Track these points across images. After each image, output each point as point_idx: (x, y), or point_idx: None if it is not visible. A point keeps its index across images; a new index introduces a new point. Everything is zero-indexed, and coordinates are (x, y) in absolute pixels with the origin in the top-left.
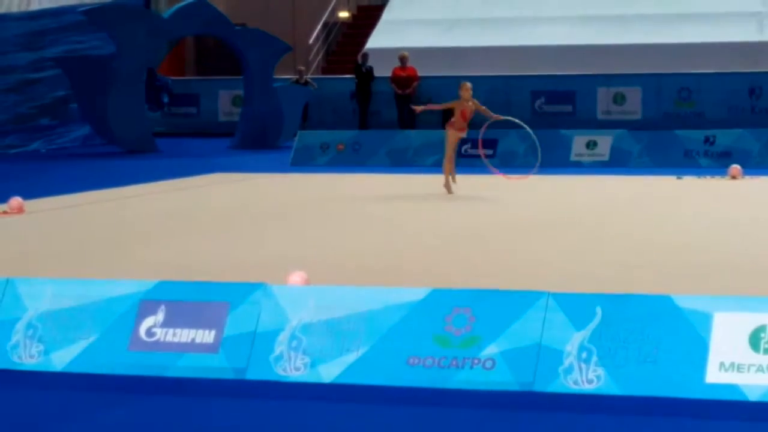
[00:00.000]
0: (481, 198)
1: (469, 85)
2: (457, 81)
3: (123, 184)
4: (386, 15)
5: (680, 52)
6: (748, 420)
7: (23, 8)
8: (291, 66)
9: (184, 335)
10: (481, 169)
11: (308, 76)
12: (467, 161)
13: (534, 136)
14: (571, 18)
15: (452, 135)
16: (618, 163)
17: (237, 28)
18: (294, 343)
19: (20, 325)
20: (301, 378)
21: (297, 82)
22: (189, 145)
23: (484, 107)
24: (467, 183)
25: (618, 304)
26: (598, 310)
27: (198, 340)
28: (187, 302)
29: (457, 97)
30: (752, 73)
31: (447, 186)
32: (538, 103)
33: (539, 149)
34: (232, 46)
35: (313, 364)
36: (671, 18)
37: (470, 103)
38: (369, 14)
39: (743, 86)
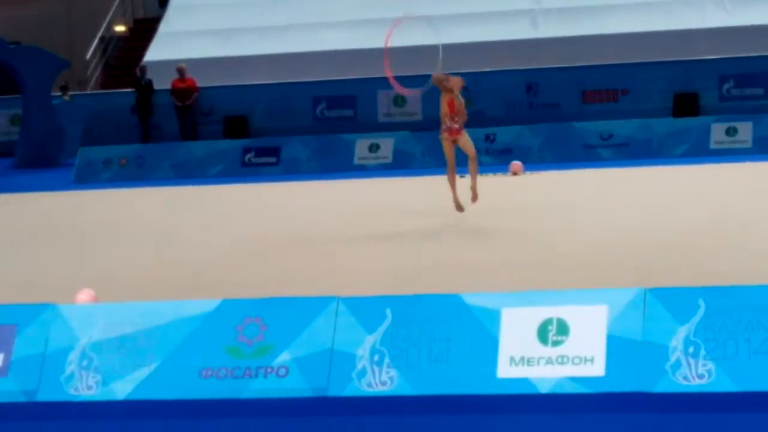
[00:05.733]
0: (264, 206)
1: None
2: (237, 90)
3: None
4: (163, 27)
5: (457, 52)
6: (540, 412)
7: None
8: (71, 82)
9: None
10: (265, 178)
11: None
12: (251, 170)
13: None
14: (349, 22)
15: (444, 141)
16: (401, 164)
17: (12, 46)
18: (84, 362)
19: None
20: (94, 396)
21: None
22: None
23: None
24: (250, 192)
25: (408, 305)
26: (388, 311)
27: None
28: None
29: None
30: (528, 69)
31: (456, 202)
32: (319, 108)
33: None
34: (8, 65)
35: (105, 382)
36: (447, 19)
37: (457, 99)
38: (146, 27)
39: (520, 83)
